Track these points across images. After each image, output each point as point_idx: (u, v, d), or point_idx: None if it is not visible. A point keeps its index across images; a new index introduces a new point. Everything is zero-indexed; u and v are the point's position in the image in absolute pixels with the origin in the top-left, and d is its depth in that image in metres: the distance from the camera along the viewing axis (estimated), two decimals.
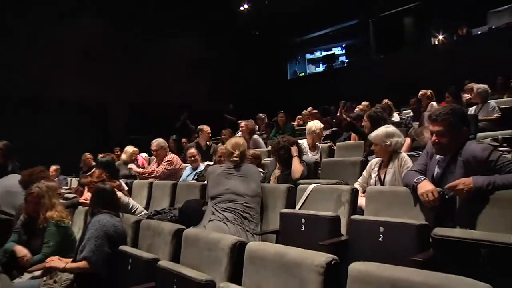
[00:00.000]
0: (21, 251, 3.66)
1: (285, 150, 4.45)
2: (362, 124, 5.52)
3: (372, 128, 4.90)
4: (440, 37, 13.86)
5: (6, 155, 5.48)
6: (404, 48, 14.26)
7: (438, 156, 2.96)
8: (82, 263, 3.18)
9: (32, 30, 11.27)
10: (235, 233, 3.33)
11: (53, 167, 8.33)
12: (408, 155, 3.78)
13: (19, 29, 11.15)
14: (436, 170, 2.95)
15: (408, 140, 4.77)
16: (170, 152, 6.39)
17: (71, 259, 3.35)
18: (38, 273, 3.39)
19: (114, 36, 12.95)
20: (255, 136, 7.60)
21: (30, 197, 3.87)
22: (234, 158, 3.88)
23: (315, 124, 5.63)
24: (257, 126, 9.57)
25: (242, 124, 7.74)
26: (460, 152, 2.77)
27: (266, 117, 10.42)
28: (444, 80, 9.35)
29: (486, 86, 6.51)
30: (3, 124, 10.01)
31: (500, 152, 2.75)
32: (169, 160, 6.08)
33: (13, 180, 4.98)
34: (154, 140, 6.25)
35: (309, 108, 10.30)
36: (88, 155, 8.22)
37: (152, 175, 6.00)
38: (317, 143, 5.70)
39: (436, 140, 2.84)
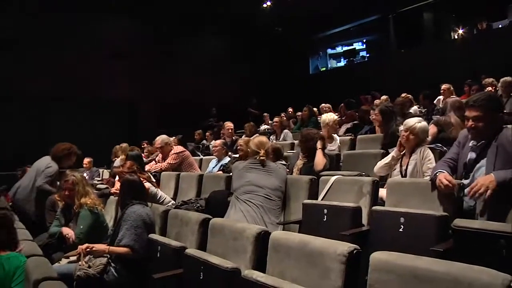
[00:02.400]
0: (66, 230, 3.94)
1: (314, 142, 4.56)
2: (373, 117, 5.54)
3: (384, 122, 4.93)
4: (460, 31, 13.61)
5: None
6: (423, 42, 14.05)
7: (471, 143, 2.97)
8: (125, 250, 3.32)
9: (70, 33, 11.78)
10: (253, 224, 3.41)
11: (86, 159, 8.63)
12: (428, 147, 3.81)
13: (59, 32, 11.62)
14: (469, 155, 2.96)
15: (434, 129, 4.53)
16: (175, 145, 6.43)
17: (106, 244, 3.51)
18: (74, 258, 3.55)
19: (144, 37, 13.42)
20: (286, 130, 7.82)
21: (66, 185, 4.08)
22: (261, 157, 3.96)
23: (328, 117, 5.68)
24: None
25: (276, 119, 7.92)
26: (496, 138, 2.79)
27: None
28: (464, 74, 9.25)
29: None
30: (42, 121, 10.52)
31: None
32: (174, 153, 6.09)
33: (45, 160, 5.23)
34: (158, 137, 6.28)
35: (322, 105, 10.38)
36: (118, 148, 8.45)
37: (158, 170, 6.05)
38: (333, 134, 5.74)
39: (473, 125, 2.85)
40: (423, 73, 11.78)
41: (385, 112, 5.08)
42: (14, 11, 11.09)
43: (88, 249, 3.34)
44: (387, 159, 3.87)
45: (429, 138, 4.32)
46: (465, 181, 2.91)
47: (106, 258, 3.35)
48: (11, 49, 10.83)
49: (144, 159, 6.63)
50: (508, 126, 2.93)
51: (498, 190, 2.49)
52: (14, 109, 10.76)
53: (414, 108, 7.62)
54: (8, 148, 10.17)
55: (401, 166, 3.74)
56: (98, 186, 5.53)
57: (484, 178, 2.55)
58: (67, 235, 3.89)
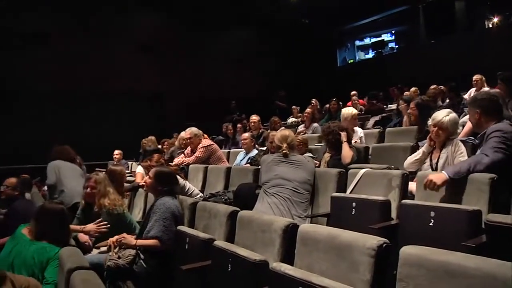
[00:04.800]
0: (83, 237, 3.86)
1: (334, 135, 4.51)
2: (409, 111, 5.44)
3: (419, 116, 4.84)
4: (495, 19, 13.15)
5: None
6: (455, 33, 13.65)
7: None
8: (153, 241, 3.37)
9: (98, 27, 12.05)
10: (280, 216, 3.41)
11: (116, 152, 8.81)
12: (460, 140, 3.73)
13: (86, 25, 11.90)
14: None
15: None
16: (204, 138, 6.48)
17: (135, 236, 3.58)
18: (104, 248, 3.63)
19: (172, 30, 13.53)
20: (315, 124, 7.82)
21: (89, 183, 4.07)
22: (284, 151, 3.95)
23: (346, 111, 5.63)
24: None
25: (308, 110, 8.01)
26: None
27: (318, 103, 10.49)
28: (499, 65, 8.93)
29: None
30: (72, 114, 10.83)
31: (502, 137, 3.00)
32: (203, 147, 6.12)
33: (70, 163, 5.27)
34: (188, 129, 6.33)
35: (353, 92, 10.27)
36: (145, 141, 8.61)
37: (186, 164, 6.09)
38: (354, 128, 5.67)
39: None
40: (455, 64, 11.50)
41: (422, 106, 4.99)
42: (45, 6, 11.34)
43: (118, 241, 3.41)
44: (417, 154, 3.79)
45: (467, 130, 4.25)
46: None
47: (135, 250, 3.41)
48: (43, 43, 11.11)
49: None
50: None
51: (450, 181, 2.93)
52: (44, 102, 11.05)
53: (448, 102, 7.46)
54: (38, 141, 10.46)
55: (431, 159, 3.67)
56: (127, 178, 5.61)
57: (435, 176, 2.99)
58: (85, 243, 3.83)
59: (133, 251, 3.38)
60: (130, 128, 11.32)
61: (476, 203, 2.70)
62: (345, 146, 4.41)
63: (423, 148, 3.76)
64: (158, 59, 13.24)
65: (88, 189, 4.06)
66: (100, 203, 3.90)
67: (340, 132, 4.51)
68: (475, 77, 7.60)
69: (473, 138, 3.97)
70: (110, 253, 3.38)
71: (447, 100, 7.57)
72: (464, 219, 2.47)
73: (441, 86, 7.86)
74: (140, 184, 5.10)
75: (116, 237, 3.45)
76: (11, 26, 10.77)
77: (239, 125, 9.59)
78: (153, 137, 8.48)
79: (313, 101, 10.45)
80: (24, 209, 4.23)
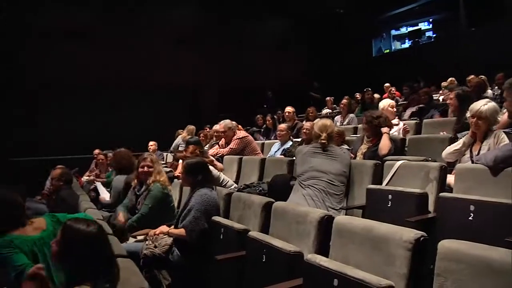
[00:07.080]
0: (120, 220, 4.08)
1: (378, 123, 4.44)
2: (448, 102, 5.29)
3: (459, 107, 4.70)
4: None
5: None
6: (500, 19, 13.02)
7: None
8: (181, 231, 3.46)
9: (133, 21, 12.27)
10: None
11: (151, 143, 8.99)
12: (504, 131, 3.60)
13: (121, 20, 12.12)
14: None
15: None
16: (239, 130, 6.48)
17: (172, 226, 3.68)
18: (141, 237, 3.74)
19: (206, 23, 13.57)
20: (351, 114, 7.82)
21: (144, 162, 4.23)
22: (322, 141, 3.91)
23: (383, 103, 5.55)
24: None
25: (344, 101, 8.00)
26: None
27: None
28: None
29: None
30: (108, 107, 11.11)
31: None
32: (237, 139, 6.11)
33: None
34: (221, 122, 6.32)
35: (386, 84, 10.07)
36: (181, 132, 8.72)
37: (219, 155, 6.10)
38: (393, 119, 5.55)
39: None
40: (497, 54, 10.98)
41: (462, 97, 4.85)
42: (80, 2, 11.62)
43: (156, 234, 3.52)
44: (457, 144, 3.68)
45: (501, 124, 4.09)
46: None
47: (171, 239, 3.48)
48: (79, 38, 11.39)
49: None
50: None
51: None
52: (82, 97, 11.37)
53: (489, 92, 7.21)
54: (77, 133, 10.81)
55: (471, 152, 3.56)
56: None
57: None
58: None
59: (169, 241, 3.46)
60: (164, 119, 11.49)
61: None
62: (385, 137, 4.34)
63: (464, 138, 3.65)
64: (191, 51, 13.31)
65: (145, 168, 4.21)
66: (156, 179, 4.12)
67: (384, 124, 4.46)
68: None
69: None
70: (147, 242, 3.46)
71: (489, 90, 7.31)
72: (506, 214, 2.40)
73: (482, 76, 7.59)
74: (175, 174, 5.19)
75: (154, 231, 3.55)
76: (48, 23, 11.07)
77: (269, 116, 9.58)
78: (192, 127, 8.59)
79: (357, 95, 10.36)
80: (67, 198, 4.36)
